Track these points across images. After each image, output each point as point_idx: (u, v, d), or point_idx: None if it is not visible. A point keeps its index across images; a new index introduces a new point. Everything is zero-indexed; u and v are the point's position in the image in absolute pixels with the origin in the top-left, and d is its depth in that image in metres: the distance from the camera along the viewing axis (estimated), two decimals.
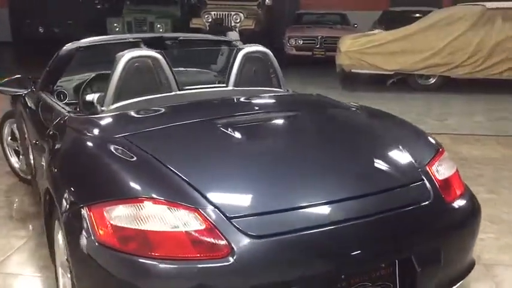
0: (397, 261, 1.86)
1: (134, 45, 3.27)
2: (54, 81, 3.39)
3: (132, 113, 2.48)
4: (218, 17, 11.82)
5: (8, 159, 4.22)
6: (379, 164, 2.13)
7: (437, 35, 8.52)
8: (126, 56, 2.61)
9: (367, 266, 1.82)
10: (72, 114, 2.61)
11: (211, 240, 1.63)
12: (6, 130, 4.16)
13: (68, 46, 3.26)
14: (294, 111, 2.72)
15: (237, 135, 2.22)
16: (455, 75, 8.55)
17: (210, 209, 1.70)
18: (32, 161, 3.02)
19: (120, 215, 1.70)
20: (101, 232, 1.69)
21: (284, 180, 1.91)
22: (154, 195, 1.72)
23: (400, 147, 2.21)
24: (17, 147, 4.08)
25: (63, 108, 2.78)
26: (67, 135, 2.39)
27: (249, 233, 1.66)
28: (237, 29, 11.78)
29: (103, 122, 2.40)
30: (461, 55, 8.50)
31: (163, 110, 2.53)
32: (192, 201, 1.71)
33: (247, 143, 2.23)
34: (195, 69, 3.94)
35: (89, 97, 3.32)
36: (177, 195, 1.74)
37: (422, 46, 8.43)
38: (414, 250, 1.88)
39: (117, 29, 12.05)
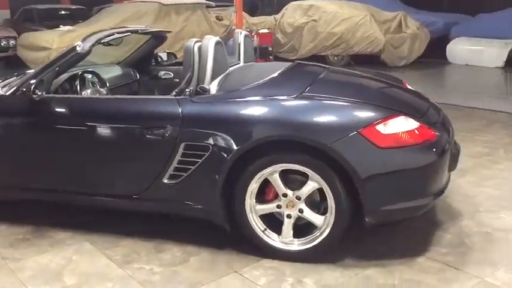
0: None
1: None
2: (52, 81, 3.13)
3: (278, 78, 3.07)
4: None
5: None
6: None
7: None
8: (212, 40, 3.04)
9: None
10: (194, 97, 2.84)
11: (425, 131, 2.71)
12: None
13: (88, 41, 3.10)
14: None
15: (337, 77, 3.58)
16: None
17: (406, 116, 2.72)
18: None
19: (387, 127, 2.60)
20: (380, 141, 2.55)
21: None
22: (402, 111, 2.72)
23: None
24: None
25: (163, 97, 2.97)
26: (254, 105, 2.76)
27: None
28: None
29: (268, 89, 2.89)
30: None
31: (290, 76, 3.23)
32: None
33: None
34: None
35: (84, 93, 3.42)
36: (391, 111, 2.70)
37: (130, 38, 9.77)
38: None
39: None
